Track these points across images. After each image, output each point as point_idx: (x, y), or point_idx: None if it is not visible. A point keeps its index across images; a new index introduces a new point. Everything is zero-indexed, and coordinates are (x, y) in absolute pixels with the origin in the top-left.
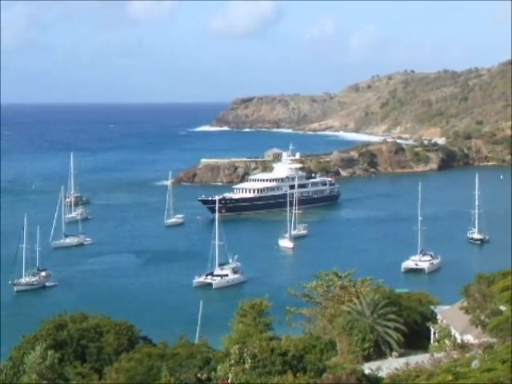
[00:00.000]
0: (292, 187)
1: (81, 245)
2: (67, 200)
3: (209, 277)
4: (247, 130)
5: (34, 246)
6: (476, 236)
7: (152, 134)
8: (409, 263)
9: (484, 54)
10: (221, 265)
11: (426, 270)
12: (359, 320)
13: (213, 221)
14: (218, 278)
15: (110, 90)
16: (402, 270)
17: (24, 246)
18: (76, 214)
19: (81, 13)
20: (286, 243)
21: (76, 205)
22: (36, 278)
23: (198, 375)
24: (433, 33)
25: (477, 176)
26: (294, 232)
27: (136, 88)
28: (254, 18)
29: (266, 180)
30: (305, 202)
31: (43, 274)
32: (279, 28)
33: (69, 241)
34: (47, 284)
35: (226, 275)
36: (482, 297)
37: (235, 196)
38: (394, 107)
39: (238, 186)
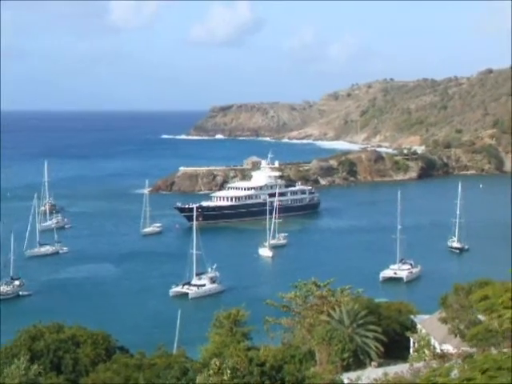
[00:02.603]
0: (271, 195)
1: (56, 254)
2: (42, 208)
3: (186, 286)
4: (226, 137)
5: (8, 254)
6: (455, 245)
7: (130, 141)
8: (388, 272)
9: (463, 63)
10: (198, 274)
11: (405, 279)
12: (338, 330)
13: (191, 229)
14: (195, 288)
15: (90, 97)
16: (381, 279)
17: None
18: (51, 222)
19: (62, 20)
20: (265, 252)
21: (51, 213)
22: (10, 287)
23: None
24: (412, 42)
25: (460, 184)
26: (273, 241)
27: (116, 95)
28: (233, 27)
29: (245, 188)
30: (284, 210)
31: (17, 282)
32: (259, 37)
33: (44, 250)
34: (21, 293)
35: (204, 285)
36: (460, 307)
37: (213, 204)
38: (373, 115)
39: (216, 194)
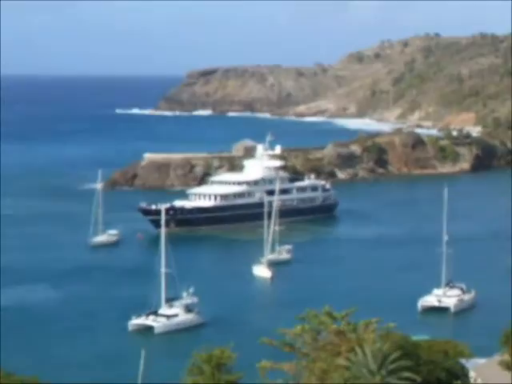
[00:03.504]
0: (270, 193)
1: None
2: None
3: (151, 317)
4: (208, 113)
5: None
6: None
7: (77, 117)
8: (429, 299)
9: None
10: (169, 300)
11: (453, 309)
12: (361, 378)
13: (159, 239)
14: (164, 320)
15: (21, 55)
16: (420, 308)
17: None
18: None
19: None
20: (261, 271)
21: None
22: None
23: None
24: None
25: None
26: (272, 256)
27: (55, 54)
28: None
29: (234, 183)
30: (288, 213)
31: None
32: None
33: None
34: None
35: (176, 315)
36: None
37: (190, 205)
38: (411, 84)
39: (195, 190)
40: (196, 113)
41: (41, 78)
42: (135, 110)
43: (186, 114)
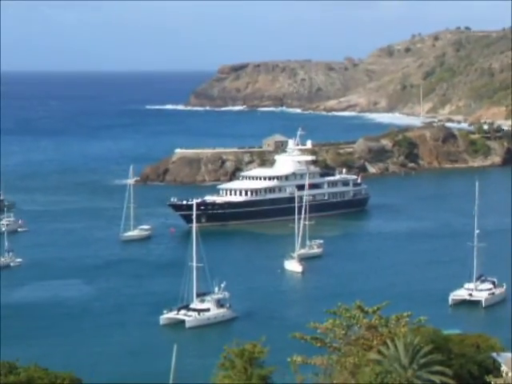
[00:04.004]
0: (301, 188)
1: (6, 267)
2: None
3: (182, 311)
4: (239, 108)
5: None
6: None
7: (108, 113)
8: (461, 293)
9: None
10: (200, 295)
11: (484, 303)
12: (393, 372)
13: (190, 234)
14: (195, 314)
15: (52, 53)
16: (451, 302)
17: None
18: (0, 224)
19: None
20: (292, 266)
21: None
22: None
23: None
24: None
25: None
26: (303, 251)
27: (86, 51)
28: None
29: (265, 178)
30: (319, 208)
31: None
32: None
33: None
34: None
35: (207, 309)
36: None
37: (221, 200)
38: (441, 78)
39: (226, 185)
40: (226, 108)
41: (74, 74)
42: (166, 106)
43: (216, 109)
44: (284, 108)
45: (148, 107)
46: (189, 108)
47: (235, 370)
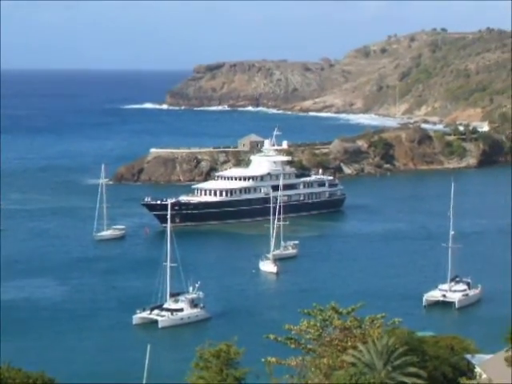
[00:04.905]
0: (276, 188)
1: None
2: None
3: (155, 311)
4: (214, 108)
5: None
6: None
7: (83, 111)
8: (435, 294)
9: None
10: (174, 295)
11: (457, 305)
12: (367, 374)
13: (164, 234)
14: (168, 314)
15: (30, 51)
16: (425, 303)
17: None
18: None
19: None
20: (267, 267)
21: None
22: None
23: None
24: None
25: None
26: (278, 251)
27: (62, 50)
28: None
29: (240, 178)
30: (294, 208)
31: None
32: None
33: None
34: None
35: (181, 309)
36: None
37: (195, 200)
38: (417, 79)
39: (201, 185)
40: (202, 108)
41: (51, 72)
42: (141, 105)
43: (191, 108)
44: (259, 108)
45: (123, 106)
46: (164, 107)
47: (210, 371)
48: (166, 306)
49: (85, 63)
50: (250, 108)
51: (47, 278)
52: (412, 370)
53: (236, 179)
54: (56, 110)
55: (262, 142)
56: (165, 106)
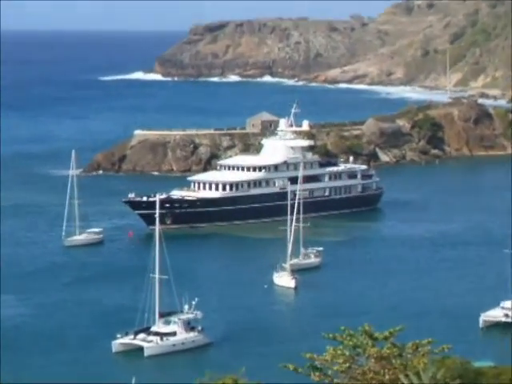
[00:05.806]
0: (295, 181)
1: None
2: None
3: (140, 336)
4: (216, 79)
5: None
6: None
7: (53, 83)
8: (495, 313)
9: None
10: (164, 315)
11: None
12: None
13: (151, 238)
14: (156, 339)
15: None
16: (483, 324)
17: None
18: None
19: None
20: (283, 280)
21: None
22: None
23: None
24: None
25: None
26: (297, 260)
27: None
28: None
29: (248, 168)
30: (318, 206)
31: None
32: None
33: None
34: None
35: (173, 333)
36: None
37: (192, 195)
38: (474, 42)
39: (198, 177)
40: (200, 78)
41: (28, 34)
42: (123, 76)
43: (186, 79)
44: (273, 78)
45: (101, 77)
46: (152, 77)
47: None
48: (154, 328)
49: (57, 23)
50: (260, 79)
51: (7, 294)
52: None
53: (243, 169)
54: (22, 80)
55: (277, 122)
56: (158, 77)
